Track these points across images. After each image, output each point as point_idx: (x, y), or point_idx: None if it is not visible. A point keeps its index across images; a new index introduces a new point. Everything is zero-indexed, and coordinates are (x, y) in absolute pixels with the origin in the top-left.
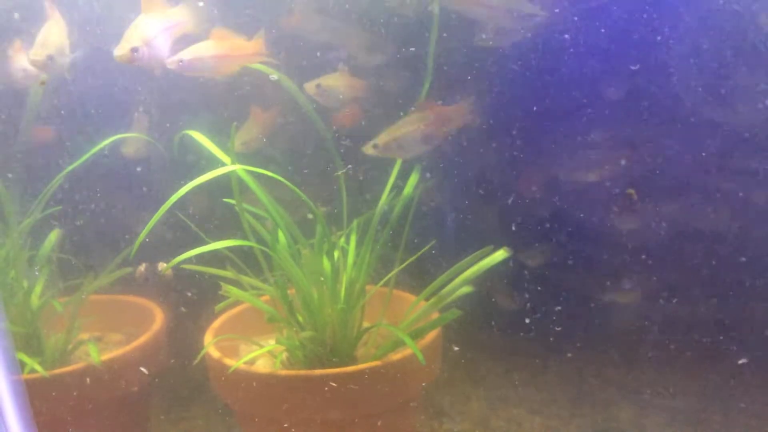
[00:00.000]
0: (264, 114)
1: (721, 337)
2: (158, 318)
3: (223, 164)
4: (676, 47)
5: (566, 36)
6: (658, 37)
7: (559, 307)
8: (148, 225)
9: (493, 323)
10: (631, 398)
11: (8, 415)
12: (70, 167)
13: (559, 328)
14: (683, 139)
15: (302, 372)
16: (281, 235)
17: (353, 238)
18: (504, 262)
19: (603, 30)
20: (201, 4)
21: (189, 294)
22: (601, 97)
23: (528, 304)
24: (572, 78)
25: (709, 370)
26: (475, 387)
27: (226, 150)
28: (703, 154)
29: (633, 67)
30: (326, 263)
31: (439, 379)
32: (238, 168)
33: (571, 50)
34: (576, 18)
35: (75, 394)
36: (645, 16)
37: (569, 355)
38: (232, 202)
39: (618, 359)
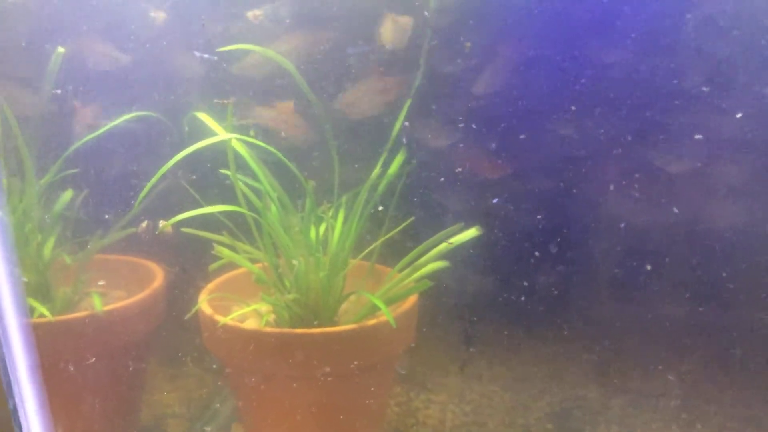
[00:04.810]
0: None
1: (694, 326)
2: (159, 277)
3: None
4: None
5: None
6: None
7: (537, 292)
8: (146, 187)
9: (472, 306)
10: (600, 381)
11: (16, 355)
12: (90, 136)
13: (536, 313)
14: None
15: (285, 330)
16: (273, 206)
17: (341, 213)
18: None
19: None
20: None
21: (188, 255)
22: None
23: (506, 288)
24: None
25: (678, 358)
26: (453, 365)
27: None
28: None
29: None
30: (313, 234)
31: (420, 356)
32: (233, 137)
33: None
34: None
35: (79, 339)
36: None
37: (544, 339)
38: (228, 172)
39: (591, 345)
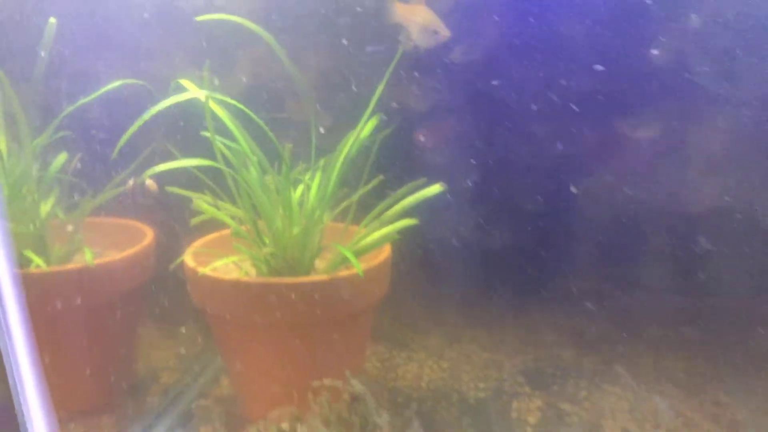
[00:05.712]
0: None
1: (662, 294)
2: (149, 236)
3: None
4: None
5: None
6: None
7: (518, 258)
8: (121, 139)
9: (456, 272)
10: (575, 341)
11: (8, 303)
12: (83, 100)
13: (517, 279)
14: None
15: (261, 279)
16: (252, 167)
17: (318, 174)
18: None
19: None
20: None
21: (177, 216)
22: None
23: (490, 255)
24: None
25: (650, 321)
26: (435, 326)
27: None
28: None
29: None
30: (289, 193)
31: (403, 319)
32: (207, 94)
33: None
34: None
35: (71, 291)
36: None
37: (524, 303)
38: (208, 134)
39: (569, 308)
